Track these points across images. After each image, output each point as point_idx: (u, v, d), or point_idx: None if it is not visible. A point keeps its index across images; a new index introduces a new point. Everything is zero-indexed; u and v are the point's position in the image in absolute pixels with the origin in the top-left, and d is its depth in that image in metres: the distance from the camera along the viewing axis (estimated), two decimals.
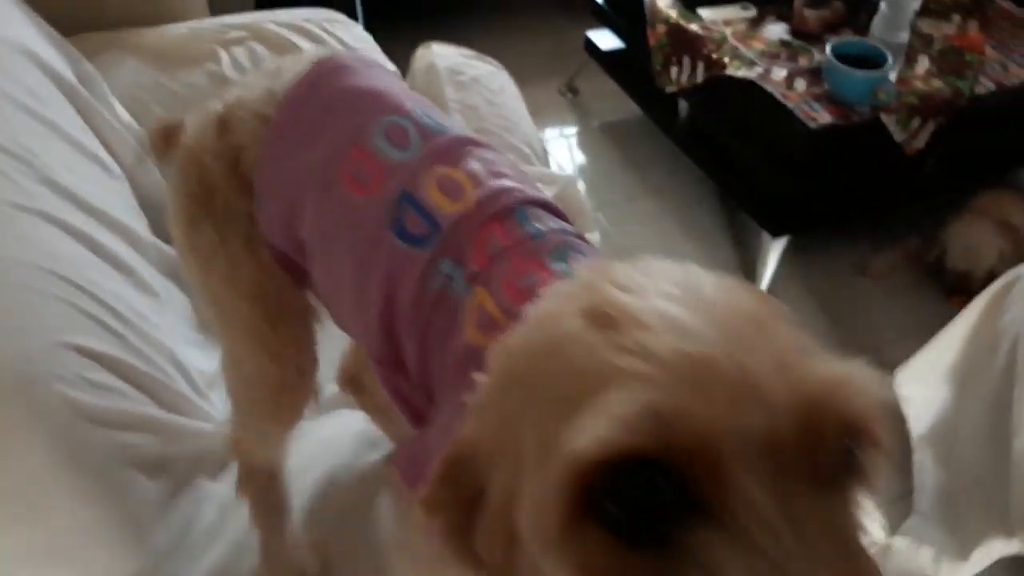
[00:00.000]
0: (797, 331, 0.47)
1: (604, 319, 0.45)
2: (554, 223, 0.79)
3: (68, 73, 1.58)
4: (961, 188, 2.45)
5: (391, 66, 1.76)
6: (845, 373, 0.44)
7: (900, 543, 1.75)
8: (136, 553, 1.00)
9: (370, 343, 0.84)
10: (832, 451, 0.43)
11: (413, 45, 2.06)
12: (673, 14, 2.54)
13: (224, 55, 1.86)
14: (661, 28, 2.54)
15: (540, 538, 0.45)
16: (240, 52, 1.87)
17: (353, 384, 1.30)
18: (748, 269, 2.45)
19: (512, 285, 0.71)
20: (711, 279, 0.49)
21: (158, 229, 1.50)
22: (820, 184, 2.31)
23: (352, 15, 2.09)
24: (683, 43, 2.46)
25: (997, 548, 1.67)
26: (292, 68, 0.94)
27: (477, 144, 0.86)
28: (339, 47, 1.91)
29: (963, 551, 1.72)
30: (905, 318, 2.34)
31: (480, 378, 0.54)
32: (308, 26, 1.95)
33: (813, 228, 2.46)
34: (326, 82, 0.91)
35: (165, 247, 1.56)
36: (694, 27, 2.47)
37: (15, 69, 1.38)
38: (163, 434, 1.06)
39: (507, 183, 0.81)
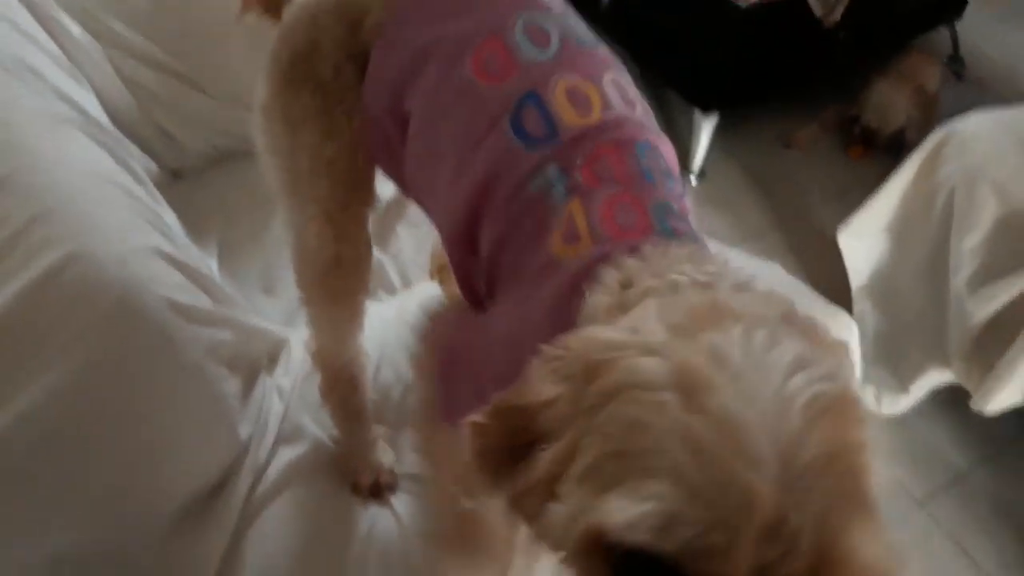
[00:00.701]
0: (866, 470, 0.48)
1: (690, 395, 0.47)
2: (665, 173, 0.78)
3: None
4: (871, 57, 2.62)
5: None
6: (873, 555, 0.45)
7: None
8: (230, 444, 1.04)
9: (450, 220, 0.86)
10: None
11: None
12: None
13: None
14: None
15: (559, 544, 0.51)
16: None
17: (442, 274, 1.34)
18: (681, 149, 2.56)
19: (611, 214, 0.72)
20: (817, 382, 0.48)
21: None
22: (748, 61, 2.42)
23: None
24: None
25: (933, 378, 1.87)
26: None
27: (617, 68, 0.84)
28: None
29: (902, 384, 1.92)
30: (829, 183, 2.52)
31: (565, 342, 0.55)
32: None
33: (742, 104, 2.59)
34: None
35: (151, 163, 1.54)
36: None
37: None
38: (236, 330, 1.08)
39: (636, 115, 0.80)
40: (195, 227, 1.38)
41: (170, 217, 1.22)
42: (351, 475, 1.12)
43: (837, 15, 2.34)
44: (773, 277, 1.47)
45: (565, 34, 0.83)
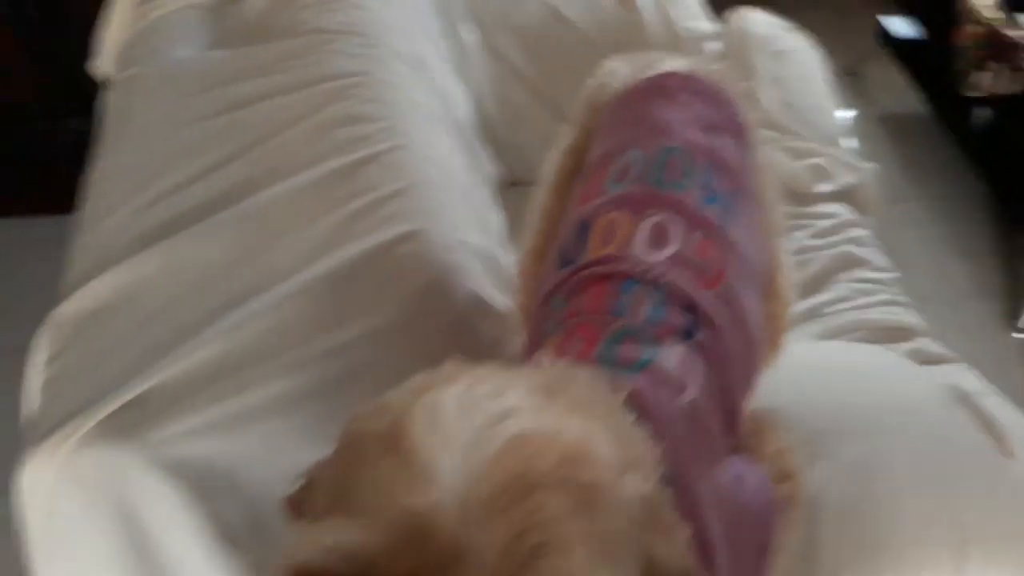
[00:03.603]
0: (572, 512, 0.47)
1: (390, 448, 0.48)
2: (656, 311, 0.78)
3: None
4: None
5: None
6: None
7: None
8: None
9: None
10: None
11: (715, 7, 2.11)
12: (992, 16, 2.44)
13: None
14: (974, 29, 2.45)
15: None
16: None
17: None
18: (1015, 299, 2.36)
19: (563, 348, 0.76)
20: (522, 415, 0.49)
21: None
22: None
23: None
24: (999, 49, 2.38)
25: None
26: (654, 66, 1.07)
27: (677, 209, 0.87)
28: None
29: None
30: None
31: None
32: None
33: None
34: (640, 96, 1.03)
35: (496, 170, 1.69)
36: (1013, 33, 2.38)
37: None
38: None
39: (651, 256, 0.82)
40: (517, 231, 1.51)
41: (497, 219, 1.35)
42: None
43: None
44: None
45: (643, 172, 0.90)
